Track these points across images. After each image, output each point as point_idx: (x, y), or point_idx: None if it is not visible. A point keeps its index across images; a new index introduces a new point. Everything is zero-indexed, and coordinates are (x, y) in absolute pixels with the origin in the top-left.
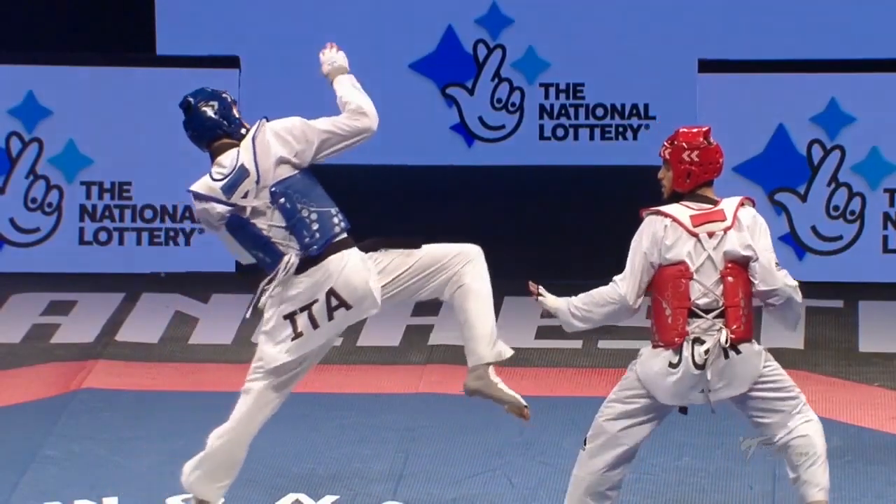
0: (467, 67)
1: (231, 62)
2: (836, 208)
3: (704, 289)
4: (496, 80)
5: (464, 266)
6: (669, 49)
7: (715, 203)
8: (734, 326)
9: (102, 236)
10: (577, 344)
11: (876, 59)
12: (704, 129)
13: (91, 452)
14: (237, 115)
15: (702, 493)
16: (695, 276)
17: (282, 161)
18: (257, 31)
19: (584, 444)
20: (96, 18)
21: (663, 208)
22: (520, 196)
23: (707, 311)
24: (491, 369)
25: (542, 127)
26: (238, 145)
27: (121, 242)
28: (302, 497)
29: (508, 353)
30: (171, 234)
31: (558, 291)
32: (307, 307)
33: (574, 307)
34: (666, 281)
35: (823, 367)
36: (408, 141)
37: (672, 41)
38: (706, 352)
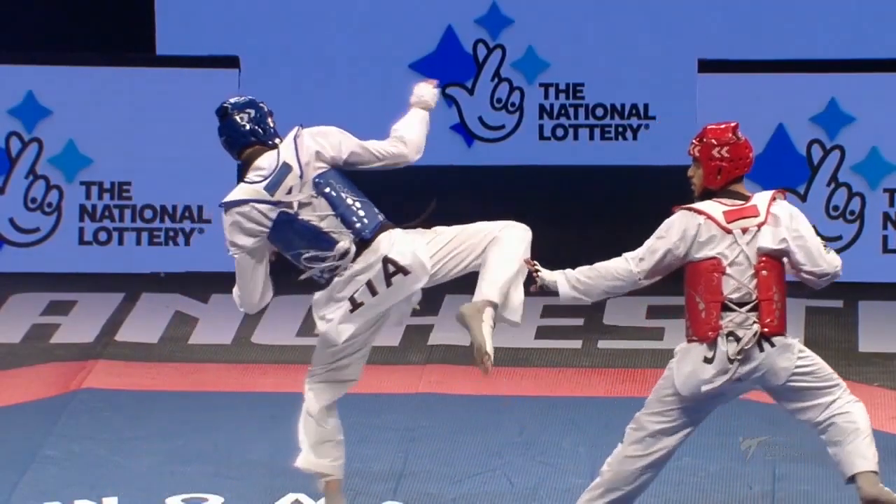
0: (467, 67)
1: (231, 62)
2: (836, 208)
3: (738, 283)
4: (496, 80)
5: (503, 230)
6: (669, 49)
7: (747, 199)
8: (768, 320)
9: (102, 236)
10: (577, 344)
11: (876, 58)
12: (733, 125)
13: (91, 452)
14: (272, 125)
15: (702, 494)
16: (728, 271)
17: (318, 157)
18: (257, 31)
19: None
20: (96, 18)
21: (696, 205)
22: (519, 196)
23: (740, 305)
24: (488, 313)
25: (541, 127)
26: (272, 149)
27: (120, 242)
28: (302, 497)
29: (516, 314)
30: (171, 234)
31: None
32: (364, 277)
33: (576, 279)
34: (699, 275)
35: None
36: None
37: (672, 41)
38: (741, 347)
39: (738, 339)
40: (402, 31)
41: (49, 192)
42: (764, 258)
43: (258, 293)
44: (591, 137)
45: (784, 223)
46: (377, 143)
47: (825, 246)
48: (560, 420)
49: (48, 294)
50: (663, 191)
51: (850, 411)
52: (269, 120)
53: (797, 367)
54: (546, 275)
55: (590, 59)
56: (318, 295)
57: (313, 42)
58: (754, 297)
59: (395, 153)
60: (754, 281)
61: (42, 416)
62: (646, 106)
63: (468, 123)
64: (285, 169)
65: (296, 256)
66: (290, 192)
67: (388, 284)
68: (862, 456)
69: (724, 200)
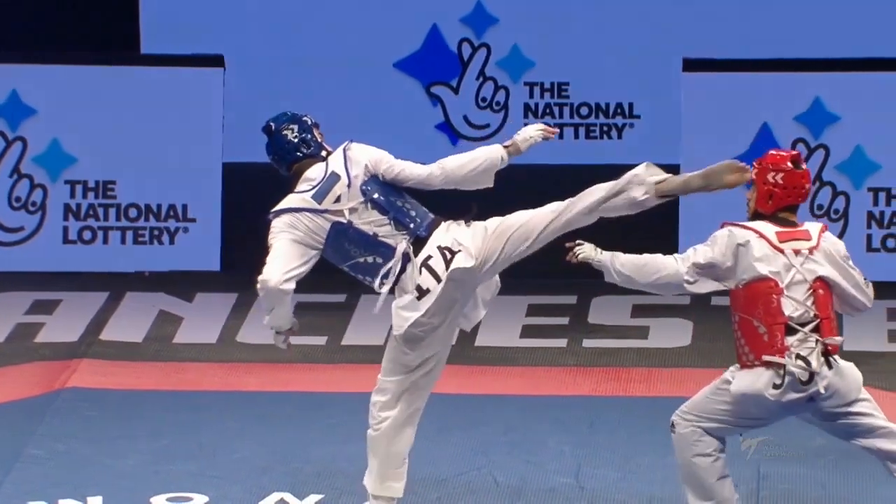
0: (452, 66)
1: (215, 61)
2: (821, 207)
3: (796, 303)
4: (481, 79)
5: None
6: (654, 48)
7: (797, 225)
8: (829, 338)
9: (87, 235)
10: (563, 343)
11: (860, 58)
12: (794, 154)
13: (76, 452)
14: (318, 138)
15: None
16: (786, 292)
17: (366, 168)
18: (242, 30)
19: (673, 428)
20: (80, 17)
21: (746, 223)
22: (503, 195)
23: (802, 325)
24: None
25: (526, 126)
26: (320, 161)
27: (105, 241)
28: (287, 496)
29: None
30: (156, 233)
31: (544, 289)
32: (424, 266)
33: (621, 263)
34: (755, 298)
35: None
36: (392, 140)
37: (657, 40)
38: (811, 369)
39: (806, 360)
40: (386, 29)
41: (33, 191)
42: (818, 279)
43: (284, 268)
44: (576, 136)
45: (837, 254)
46: (413, 166)
47: (865, 279)
48: (545, 419)
49: (32, 293)
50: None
51: None
52: (316, 132)
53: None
54: (589, 249)
55: (575, 58)
56: (394, 301)
57: (298, 40)
58: (812, 314)
59: (422, 178)
60: (812, 299)
61: (27, 415)
62: (630, 105)
63: (453, 122)
64: (333, 178)
65: (353, 267)
66: (338, 200)
67: (448, 266)
68: None
69: (774, 223)
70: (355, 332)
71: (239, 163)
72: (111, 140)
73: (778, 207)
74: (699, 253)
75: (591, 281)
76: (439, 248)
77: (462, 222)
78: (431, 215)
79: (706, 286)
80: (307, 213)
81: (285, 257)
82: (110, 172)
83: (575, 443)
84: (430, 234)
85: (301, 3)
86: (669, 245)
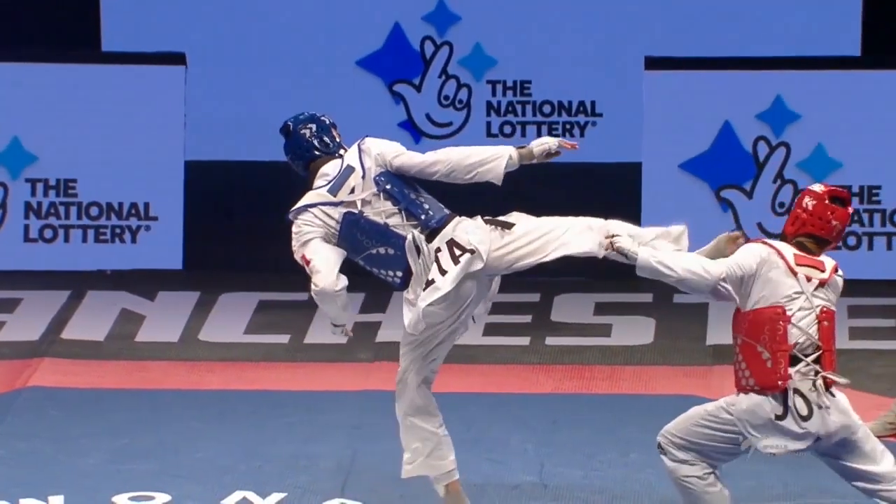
0: (414, 64)
1: (177, 59)
2: (782, 205)
3: (801, 332)
4: (443, 77)
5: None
6: (616, 46)
7: (815, 255)
8: (829, 371)
9: (48, 233)
10: (525, 341)
11: (820, 56)
12: (840, 190)
13: (37, 451)
14: (336, 137)
15: (649, 489)
16: (793, 320)
17: (380, 159)
18: (204, 28)
19: (661, 449)
20: (42, 15)
21: (769, 241)
22: (466, 193)
23: (805, 355)
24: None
25: (489, 124)
26: (332, 160)
27: (66, 240)
28: (249, 494)
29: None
30: (117, 231)
31: (507, 287)
32: (434, 259)
33: (658, 261)
34: (762, 324)
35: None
36: (356, 138)
37: (619, 38)
38: (810, 403)
39: (804, 396)
40: (349, 28)
41: None
42: (825, 310)
43: (333, 271)
44: (539, 134)
45: (839, 290)
46: (415, 154)
47: None
48: (508, 417)
49: None
50: (610, 187)
51: None
52: (334, 132)
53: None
54: (625, 241)
55: (537, 57)
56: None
57: (260, 38)
58: (816, 346)
59: (425, 164)
60: (816, 330)
61: None
62: (593, 103)
63: (416, 120)
64: (348, 170)
65: (367, 259)
66: (352, 191)
67: (455, 262)
68: None
69: (796, 247)
70: (317, 331)
71: (201, 161)
72: (72, 138)
73: (799, 232)
74: (736, 259)
75: (554, 279)
76: (449, 242)
77: (479, 218)
78: (447, 211)
79: (729, 295)
80: (322, 208)
81: (327, 261)
82: (72, 171)
83: (538, 441)
84: (442, 227)
85: (263, 1)
86: None
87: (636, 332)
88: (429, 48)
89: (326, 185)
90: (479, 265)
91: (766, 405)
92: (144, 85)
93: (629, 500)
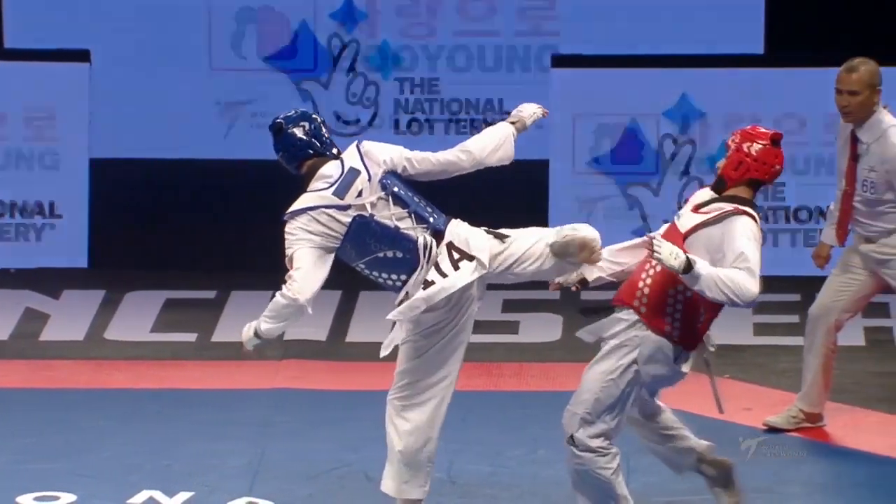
0: (322, 62)
1: (81, 56)
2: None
3: None
4: (351, 75)
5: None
6: (523, 44)
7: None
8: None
9: None
10: None
11: (725, 54)
12: (775, 133)
13: None
14: (327, 136)
15: (557, 486)
16: None
17: (384, 163)
18: (108, 25)
19: (573, 441)
20: None
21: (749, 209)
22: None
23: None
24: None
25: (397, 121)
26: (333, 159)
27: None
28: (156, 494)
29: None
30: (22, 229)
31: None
32: (434, 263)
33: (721, 280)
34: None
35: (701, 368)
36: (265, 136)
37: (526, 36)
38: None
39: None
40: (256, 24)
41: None
42: None
43: (315, 286)
44: (447, 131)
45: None
46: (438, 153)
47: None
48: None
49: None
50: (517, 185)
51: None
52: (324, 130)
53: None
54: (667, 253)
55: (444, 54)
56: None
57: (166, 36)
58: None
59: (450, 160)
60: None
61: None
62: (500, 101)
63: (324, 118)
64: (353, 173)
65: (371, 262)
66: (360, 194)
67: (456, 268)
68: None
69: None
70: (225, 329)
71: (106, 159)
72: None
73: (743, 178)
74: (756, 254)
75: None
76: (448, 246)
77: (481, 229)
78: (443, 214)
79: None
80: (326, 211)
81: (314, 274)
82: None
83: (446, 437)
84: (445, 230)
85: None
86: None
87: (544, 329)
88: (336, 45)
89: (329, 187)
90: (482, 271)
91: (666, 348)
92: (48, 82)
93: (537, 496)
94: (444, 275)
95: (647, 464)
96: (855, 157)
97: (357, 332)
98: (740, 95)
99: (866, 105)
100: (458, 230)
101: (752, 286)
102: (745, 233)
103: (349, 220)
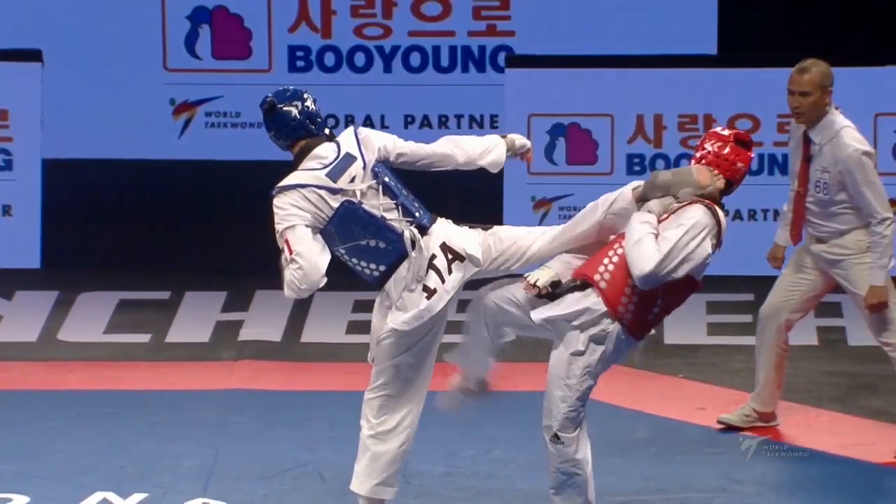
0: (277, 62)
1: (33, 56)
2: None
3: None
4: (306, 75)
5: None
6: (478, 44)
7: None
8: None
9: None
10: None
11: (678, 54)
12: (741, 133)
13: None
14: (320, 116)
15: (511, 485)
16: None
17: (380, 151)
18: (60, 25)
19: (558, 438)
20: None
21: (706, 202)
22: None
23: None
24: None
25: (351, 120)
26: (327, 141)
27: None
28: (109, 495)
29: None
30: None
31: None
32: (430, 265)
33: (636, 238)
34: (679, 288)
35: (629, 359)
36: (218, 135)
37: (480, 36)
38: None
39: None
40: (211, 24)
41: None
42: None
43: (323, 262)
44: (404, 131)
45: None
46: (428, 144)
47: None
48: None
49: None
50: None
51: None
52: (318, 110)
53: None
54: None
55: (399, 54)
56: (387, 291)
57: (120, 36)
58: None
59: (445, 152)
60: None
61: None
62: (455, 101)
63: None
64: (349, 159)
65: (351, 250)
66: (352, 180)
67: (450, 272)
68: None
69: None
70: (179, 330)
71: (59, 159)
72: None
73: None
74: (681, 240)
75: None
76: (443, 247)
77: (465, 225)
78: (429, 212)
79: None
80: (317, 191)
81: (318, 251)
82: None
83: None
84: (430, 226)
85: None
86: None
87: None
88: (291, 45)
89: (323, 168)
90: (475, 269)
91: (618, 335)
92: (0, 82)
93: (492, 496)
94: (443, 279)
95: (604, 464)
96: (807, 158)
97: (311, 333)
98: (694, 96)
99: (818, 106)
100: (450, 230)
101: (648, 262)
102: (685, 220)
103: (337, 204)
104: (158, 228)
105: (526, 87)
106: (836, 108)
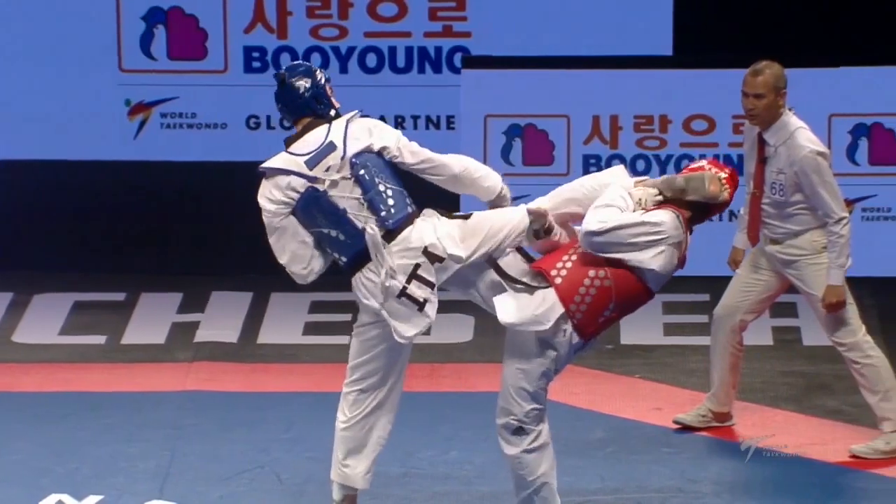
0: (233, 63)
1: None
2: None
3: None
4: (262, 76)
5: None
6: (434, 45)
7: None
8: None
9: None
10: (345, 339)
11: (633, 55)
12: (712, 167)
13: None
14: (329, 95)
15: (468, 485)
16: None
17: (367, 146)
18: (12, 24)
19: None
20: None
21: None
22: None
23: None
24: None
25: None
26: (326, 123)
27: None
28: (65, 497)
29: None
30: None
31: (327, 286)
32: (413, 275)
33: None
34: (639, 297)
35: (586, 359)
36: (174, 136)
37: (437, 37)
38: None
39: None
40: (166, 25)
41: None
42: None
43: (305, 270)
44: None
45: None
46: (424, 150)
47: None
48: (328, 416)
49: None
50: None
51: None
52: (328, 89)
53: None
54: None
55: (355, 55)
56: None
57: (74, 36)
58: None
59: (445, 162)
60: None
61: None
62: (411, 102)
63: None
64: (329, 147)
65: (317, 236)
66: (328, 170)
67: (433, 276)
68: None
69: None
70: (134, 332)
71: (12, 160)
72: None
73: (682, 196)
74: (622, 221)
75: None
76: (424, 252)
77: (440, 216)
78: (410, 209)
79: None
80: (288, 176)
81: (298, 257)
82: None
83: None
84: (400, 229)
85: None
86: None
87: (455, 329)
88: (247, 46)
89: (304, 155)
90: (456, 266)
91: (569, 335)
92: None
93: (449, 497)
94: (431, 286)
95: (561, 464)
96: (763, 160)
97: (268, 334)
98: (650, 97)
99: (772, 108)
100: (427, 230)
101: (594, 224)
102: (650, 216)
103: (303, 189)
104: (114, 229)
105: (482, 88)
106: (790, 110)
